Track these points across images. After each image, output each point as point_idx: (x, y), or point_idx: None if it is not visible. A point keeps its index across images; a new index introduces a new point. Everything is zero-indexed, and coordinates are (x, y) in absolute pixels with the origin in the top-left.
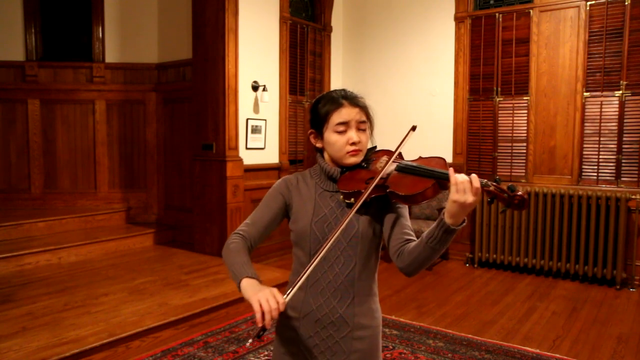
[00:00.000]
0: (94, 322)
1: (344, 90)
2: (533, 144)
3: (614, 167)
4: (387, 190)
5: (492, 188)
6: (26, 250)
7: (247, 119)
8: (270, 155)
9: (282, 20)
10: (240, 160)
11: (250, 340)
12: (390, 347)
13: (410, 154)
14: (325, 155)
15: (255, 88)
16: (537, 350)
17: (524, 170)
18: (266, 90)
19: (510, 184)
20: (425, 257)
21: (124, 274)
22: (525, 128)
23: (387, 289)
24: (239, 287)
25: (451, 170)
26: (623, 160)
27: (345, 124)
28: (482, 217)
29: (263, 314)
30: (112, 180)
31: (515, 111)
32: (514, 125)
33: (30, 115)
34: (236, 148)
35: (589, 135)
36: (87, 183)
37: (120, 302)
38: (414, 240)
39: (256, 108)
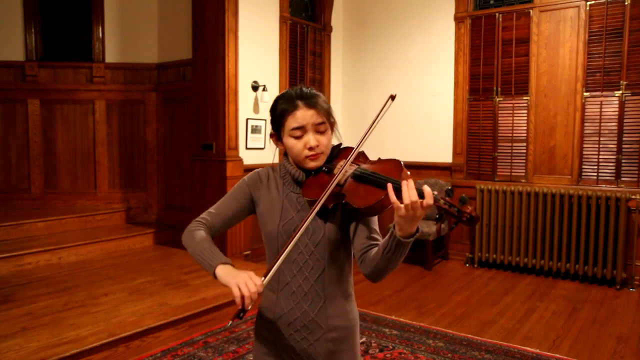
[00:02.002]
0: (94, 322)
1: (301, 88)
2: (533, 144)
3: (614, 167)
4: (343, 201)
5: (441, 202)
6: (26, 250)
7: (247, 119)
8: (270, 155)
9: (282, 20)
10: (240, 160)
11: (230, 322)
12: (390, 347)
13: (410, 153)
14: (290, 157)
15: (255, 88)
16: (537, 350)
17: (524, 170)
18: (266, 90)
19: (462, 195)
20: (384, 266)
21: (124, 274)
22: (525, 128)
23: (387, 289)
24: (214, 274)
25: (390, 187)
26: (623, 160)
27: (301, 128)
28: (482, 217)
29: (243, 297)
30: (112, 180)
31: (515, 111)
32: (514, 125)
33: (30, 115)
34: (236, 148)
35: (589, 135)
36: (87, 183)
37: (120, 302)
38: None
39: (256, 108)
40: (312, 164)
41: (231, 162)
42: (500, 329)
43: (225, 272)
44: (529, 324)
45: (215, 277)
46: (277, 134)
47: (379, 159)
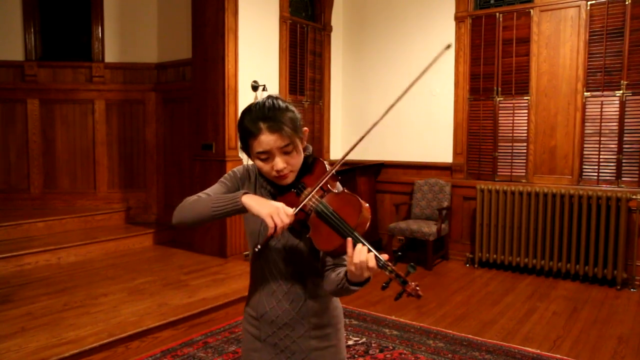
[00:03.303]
0: (94, 323)
1: (264, 105)
2: (533, 143)
3: (614, 167)
4: (307, 236)
5: (387, 271)
6: (26, 250)
7: None
8: None
9: (282, 20)
10: (240, 160)
11: (258, 247)
12: (391, 347)
13: (410, 153)
14: None
15: (255, 88)
16: (538, 351)
17: (524, 170)
18: (266, 90)
19: (411, 264)
20: (339, 293)
21: (123, 274)
22: (526, 128)
23: (387, 288)
24: (240, 206)
25: (349, 243)
26: (624, 160)
27: (267, 152)
28: (482, 217)
29: (275, 227)
30: (111, 180)
31: (515, 111)
32: (515, 125)
33: (29, 115)
34: (236, 148)
35: (590, 135)
36: (87, 183)
37: (120, 303)
38: (342, 266)
39: None
40: (282, 182)
41: (231, 162)
42: (501, 329)
43: (254, 201)
44: (529, 324)
45: (242, 208)
46: (245, 151)
47: (344, 190)
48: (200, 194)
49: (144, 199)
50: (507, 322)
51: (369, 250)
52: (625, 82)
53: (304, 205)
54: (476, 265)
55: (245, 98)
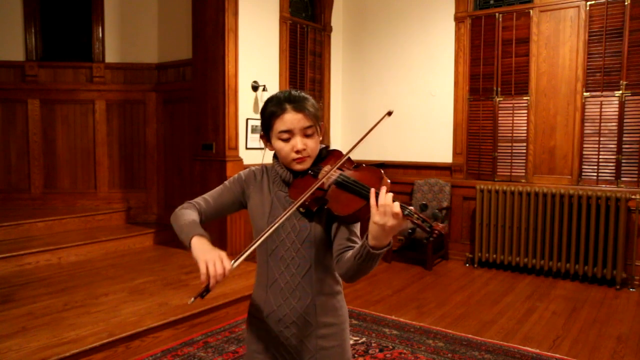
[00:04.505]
0: (94, 322)
1: (290, 91)
2: (533, 144)
3: (613, 167)
4: (325, 207)
5: (414, 218)
6: (26, 250)
7: (247, 119)
8: (270, 155)
9: (282, 20)
10: (241, 160)
11: (192, 299)
12: (390, 347)
13: (410, 153)
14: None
15: (255, 88)
16: (537, 350)
17: (523, 170)
18: (266, 90)
19: (435, 211)
20: (356, 271)
21: (123, 274)
22: (525, 128)
23: (387, 288)
24: (189, 245)
25: (372, 192)
26: (623, 160)
27: (289, 131)
28: (482, 217)
29: (208, 276)
30: (112, 180)
31: (515, 111)
32: (514, 125)
33: (30, 116)
34: (236, 148)
35: (589, 135)
36: (87, 183)
37: (120, 302)
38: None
39: (256, 108)
40: (299, 167)
41: (231, 162)
42: (500, 329)
43: (198, 245)
44: (528, 324)
45: (189, 246)
46: (266, 136)
47: (362, 165)
48: (198, 199)
49: (144, 199)
50: (506, 322)
51: (394, 200)
52: (625, 83)
53: (322, 183)
54: (476, 265)
55: (245, 98)
